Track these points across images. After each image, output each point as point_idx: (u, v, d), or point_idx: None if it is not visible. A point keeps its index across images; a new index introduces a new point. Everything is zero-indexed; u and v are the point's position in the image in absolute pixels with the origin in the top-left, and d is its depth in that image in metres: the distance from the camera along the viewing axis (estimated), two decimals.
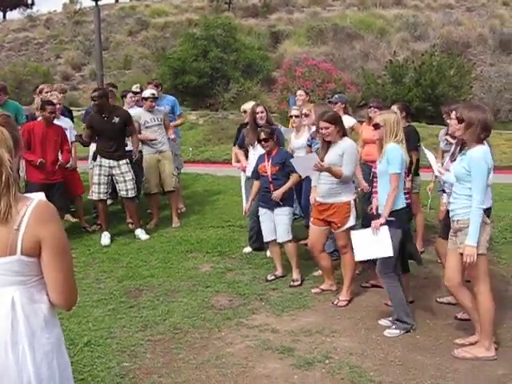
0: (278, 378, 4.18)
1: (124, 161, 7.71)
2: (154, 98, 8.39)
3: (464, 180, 4.30)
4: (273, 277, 6.24)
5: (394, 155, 4.77)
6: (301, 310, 5.44)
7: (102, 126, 7.58)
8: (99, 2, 13.69)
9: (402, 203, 4.91)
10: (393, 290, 4.93)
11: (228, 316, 5.27)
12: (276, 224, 6.16)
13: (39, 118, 7.73)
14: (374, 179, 5.40)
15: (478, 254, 4.27)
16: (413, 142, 6.14)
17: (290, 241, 6.18)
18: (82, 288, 5.89)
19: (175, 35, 25.63)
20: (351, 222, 5.52)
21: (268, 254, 6.84)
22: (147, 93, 8.40)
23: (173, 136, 8.59)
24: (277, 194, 6.04)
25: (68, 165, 8.01)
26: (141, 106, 8.99)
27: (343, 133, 5.54)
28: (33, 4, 44.75)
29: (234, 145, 7.60)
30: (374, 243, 4.85)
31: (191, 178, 11.68)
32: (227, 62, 20.93)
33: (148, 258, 7.04)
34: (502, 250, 7.01)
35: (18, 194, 2.18)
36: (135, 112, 8.48)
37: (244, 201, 7.44)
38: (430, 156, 5.15)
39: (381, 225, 4.82)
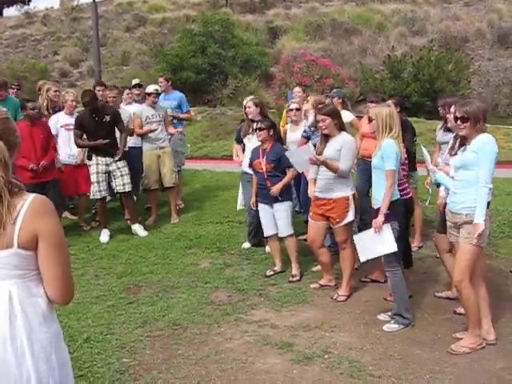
0: (278, 373, 4.19)
1: (120, 156, 7.70)
2: (157, 94, 8.38)
3: (473, 165, 4.26)
4: (272, 272, 6.24)
5: (389, 151, 4.77)
6: (300, 305, 5.45)
7: (93, 127, 7.52)
8: None
9: (396, 195, 4.91)
10: (397, 284, 4.93)
11: (227, 312, 5.28)
12: (276, 219, 6.16)
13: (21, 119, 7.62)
14: None
15: (476, 246, 4.28)
16: (409, 136, 6.16)
17: (291, 235, 6.18)
18: (81, 284, 5.90)
19: (173, 31, 25.58)
20: (350, 216, 5.52)
21: (267, 249, 6.84)
22: (151, 88, 8.39)
23: (173, 130, 8.57)
24: (275, 189, 6.04)
25: (73, 162, 8.00)
26: (137, 102, 8.99)
27: (341, 127, 5.54)
28: (30, 0, 44.59)
29: (236, 140, 7.63)
30: (377, 242, 4.85)
31: (190, 174, 11.67)
32: (225, 57, 20.90)
33: (147, 254, 7.05)
34: (501, 244, 7.02)
35: (15, 189, 2.19)
36: (135, 109, 8.48)
37: (240, 195, 7.45)
38: (425, 152, 5.16)
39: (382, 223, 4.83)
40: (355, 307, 5.38)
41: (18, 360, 2.17)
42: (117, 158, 7.62)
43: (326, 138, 5.55)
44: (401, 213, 4.97)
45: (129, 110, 8.44)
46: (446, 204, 4.72)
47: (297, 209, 7.32)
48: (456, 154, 4.64)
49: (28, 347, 2.18)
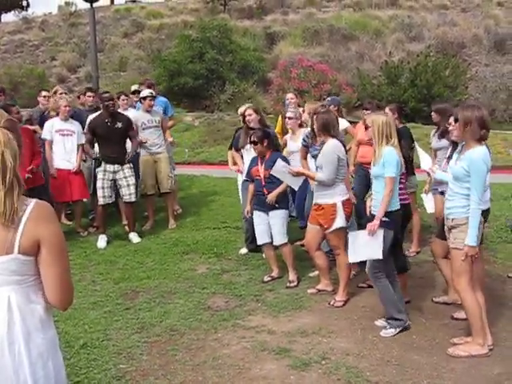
0: (275, 378, 4.18)
1: (128, 165, 7.73)
2: (153, 97, 8.38)
3: (462, 180, 4.31)
4: (269, 278, 6.24)
5: (389, 159, 4.79)
6: (297, 310, 5.44)
7: (106, 132, 7.57)
8: (94, 4, 13.66)
9: (396, 205, 4.92)
10: (382, 288, 4.95)
11: (224, 317, 5.27)
12: (271, 227, 6.16)
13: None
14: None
15: (461, 249, 4.31)
16: (406, 143, 6.17)
17: (285, 244, 6.18)
18: (78, 290, 5.88)
19: (170, 37, 25.59)
20: (338, 223, 5.51)
21: (264, 255, 6.84)
22: (146, 92, 8.39)
23: (171, 139, 8.60)
24: (271, 196, 6.04)
25: (71, 167, 7.99)
26: (134, 107, 8.98)
27: (331, 134, 5.54)
28: (28, 6, 44.64)
29: (230, 148, 7.61)
30: (366, 245, 4.86)
31: (187, 179, 11.68)
32: (223, 63, 20.91)
33: (144, 259, 7.04)
34: (498, 249, 7.03)
35: (21, 196, 2.20)
36: (131, 115, 8.47)
37: (241, 203, 7.43)
38: (421, 152, 5.19)
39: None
40: (352, 313, 5.37)
41: (15, 366, 2.17)
42: (127, 160, 7.68)
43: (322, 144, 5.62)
44: (398, 222, 5.00)
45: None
46: None
47: (293, 214, 7.31)
48: (451, 157, 4.70)
49: (26, 353, 2.19)
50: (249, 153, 6.84)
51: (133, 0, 40.40)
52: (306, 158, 6.45)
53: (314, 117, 5.70)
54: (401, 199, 5.08)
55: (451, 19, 27.33)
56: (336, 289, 5.74)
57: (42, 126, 8.20)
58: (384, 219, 4.81)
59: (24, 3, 44.14)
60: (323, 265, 5.84)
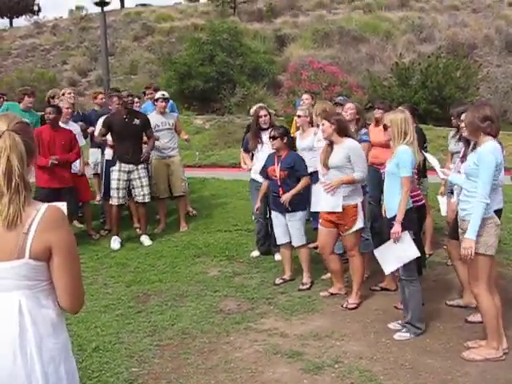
0: (288, 382, 4.16)
1: (142, 165, 7.74)
2: (165, 99, 8.38)
3: (474, 176, 4.26)
4: (281, 280, 6.21)
5: (404, 158, 4.73)
6: (310, 313, 5.41)
7: (123, 128, 7.58)
8: (105, 8, 13.72)
9: (409, 203, 4.87)
10: (413, 293, 4.87)
11: (236, 320, 5.25)
12: (289, 229, 6.13)
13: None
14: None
15: (485, 255, 4.24)
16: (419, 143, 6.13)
17: (303, 245, 6.15)
18: (90, 293, 5.89)
19: (181, 40, 25.66)
20: (359, 224, 5.50)
21: (276, 257, 6.83)
22: (158, 94, 8.42)
23: (186, 136, 8.66)
24: (285, 197, 6.00)
25: (76, 170, 8.02)
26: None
27: (344, 133, 5.51)
28: (39, 11, 45.03)
29: (243, 147, 7.60)
30: (398, 251, 4.80)
31: (198, 182, 11.68)
32: (233, 66, 20.93)
33: (156, 262, 7.04)
34: (511, 251, 6.97)
35: (29, 200, 2.19)
36: None
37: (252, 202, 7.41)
38: (432, 159, 5.13)
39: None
40: (365, 316, 5.33)
41: (27, 370, 2.16)
42: (142, 159, 7.69)
43: (331, 145, 5.54)
44: (414, 220, 4.94)
45: None
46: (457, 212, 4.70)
47: (306, 217, 7.28)
48: (464, 157, 4.65)
49: (37, 357, 2.17)
50: (259, 152, 6.90)
51: (143, 4, 40.62)
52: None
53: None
54: (416, 200, 5.04)
55: (462, 20, 27.26)
56: (349, 292, 5.71)
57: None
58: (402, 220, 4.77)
59: (35, 8, 44.49)
60: (336, 268, 5.80)
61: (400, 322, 5.01)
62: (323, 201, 5.54)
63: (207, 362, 4.47)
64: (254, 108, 7.28)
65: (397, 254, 4.81)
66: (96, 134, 8.21)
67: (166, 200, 8.63)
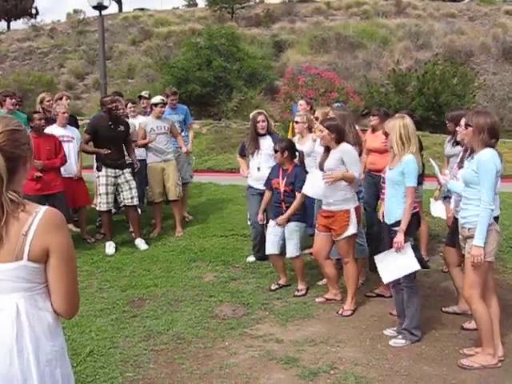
0: None
1: (128, 169, 7.73)
2: (164, 104, 8.38)
3: (474, 183, 4.26)
4: (276, 286, 6.21)
5: (410, 168, 4.72)
6: (305, 319, 5.40)
7: (108, 134, 7.57)
8: (103, 12, 13.73)
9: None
10: (412, 300, 4.87)
11: (232, 326, 5.24)
12: (286, 238, 6.12)
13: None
14: (383, 185, 5.37)
15: (484, 261, 4.24)
16: None
17: (297, 257, 6.15)
18: (85, 297, 5.86)
19: (178, 44, 25.68)
20: (350, 230, 5.48)
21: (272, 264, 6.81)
22: (157, 98, 8.40)
23: (185, 149, 8.59)
24: (280, 221, 6.05)
25: (72, 175, 7.99)
26: (144, 114, 9.00)
27: (340, 140, 5.52)
28: (37, 14, 44.97)
29: (239, 154, 7.59)
30: (399, 262, 4.79)
31: (194, 186, 11.64)
32: (230, 71, 20.95)
33: (151, 267, 7.02)
34: (507, 258, 6.97)
35: (25, 201, 2.17)
36: (141, 121, 8.49)
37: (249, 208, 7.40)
38: (435, 165, 5.12)
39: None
40: (361, 322, 5.33)
41: (23, 374, 2.15)
42: (136, 168, 7.73)
43: (328, 150, 5.57)
44: (414, 226, 4.95)
45: (134, 123, 8.44)
46: (455, 218, 4.70)
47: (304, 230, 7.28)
48: (462, 162, 4.65)
49: (34, 361, 2.17)
50: (255, 159, 6.92)
51: (141, 8, 40.67)
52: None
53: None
54: (414, 207, 5.03)
55: (459, 27, 27.35)
56: (344, 298, 5.70)
57: None
58: (396, 228, 4.77)
59: (33, 11, 44.47)
60: (332, 274, 5.79)
61: (395, 328, 5.00)
62: (317, 188, 5.62)
63: (202, 368, 4.45)
64: (253, 113, 7.28)
65: (398, 264, 4.80)
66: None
67: (162, 204, 8.60)
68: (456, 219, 4.76)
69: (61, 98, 8.68)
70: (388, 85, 19.17)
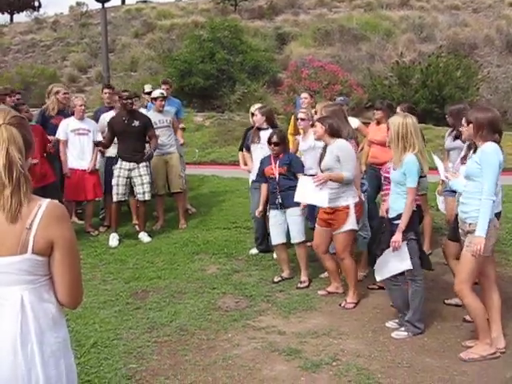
0: (285, 380, 4.17)
1: (143, 164, 7.75)
2: (164, 98, 8.40)
3: (476, 176, 4.26)
4: (279, 278, 6.22)
5: (411, 168, 4.72)
6: (308, 311, 5.43)
7: (122, 129, 7.65)
8: (106, 5, 13.71)
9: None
10: (417, 292, 4.88)
11: (235, 318, 5.26)
12: (289, 225, 6.14)
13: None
14: (385, 182, 5.38)
15: (479, 256, 4.24)
16: None
17: (303, 242, 6.16)
18: (89, 289, 5.89)
19: (181, 37, 25.64)
20: (349, 225, 5.48)
21: (275, 255, 6.82)
22: (156, 92, 8.43)
23: (182, 141, 8.65)
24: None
25: (85, 167, 8.03)
26: (145, 107, 9.00)
27: (335, 134, 5.52)
28: (40, 6, 44.94)
29: (240, 149, 7.60)
30: (394, 260, 4.81)
31: (197, 179, 11.68)
32: (233, 63, 20.92)
33: (154, 259, 7.04)
34: (510, 251, 6.97)
35: (30, 194, 2.19)
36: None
37: (251, 203, 7.42)
38: (438, 161, 5.12)
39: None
40: (363, 314, 5.35)
41: (27, 365, 2.17)
42: (144, 158, 7.72)
43: (325, 147, 5.59)
44: (416, 222, 4.97)
45: None
46: (456, 214, 4.70)
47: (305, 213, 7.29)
48: (465, 157, 4.65)
49: (38, 352, 2.19)
50: (256, 152, 6.90)
51: (143, 0, 40.58)
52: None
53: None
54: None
55: (463, 20, 27.24)
56: (346, 290, 5.71)
57: (44, 127, 7.98)
58: (397, 222, 4.77)
59: (36, 4, 44.44)
60: (332, 267, 5.81)
61: (397, 320, 5.02)
62: (310, 194, 5.57)
63: (205, 359, 4.48)
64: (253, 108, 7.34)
65: (392, 262, 4.82)
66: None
67: (165, 197, 8.63)
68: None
69: (58, 93, 8.65)
70: (391, 77, 19.11)
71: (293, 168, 6.11)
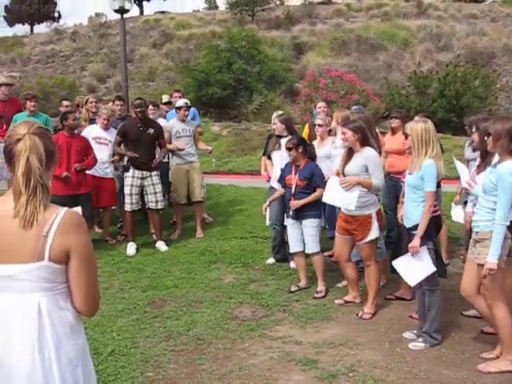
0: None
1: (155, 172, 7.81)
2: (188, 107, 8.48)
3: (490, 193, 4.25)
4: (296, 288, 6.22)
5: (429, 172, 4.70)
6: (324, 321, 5.41)
7: (137, 136, 7.68)
8: (124, 15, 13.85)
9: None
10: (434, 302, 4.85)
11: (251, 327, 5.26)
12: (304, 235, 6.14)
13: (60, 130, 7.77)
14: (403, 189, 5.36)
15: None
16: None
17: (317, 253, 6.16)
18: (107, 298, 5.93)
19: (199, 47, 25.83)
20: (373, 234, 5.48)
21: (291, 265, 6.82)
22: (181, 102, 8.52)
23: (204, 147, 8.76)
24: (295, 203, 6.02)
25: (102, 175, 8.12)
26: (164, 117, 9.09)
27: (364, 142, 5.50)
28: (59, 17, 45.57)
29: (264, 155, 7.65)
30: (417, 265, 4.79)
31: (215, 189, 11.72)
32: (250, 73, 21.02)
33: (172, 268, 7.07)
34: None
35: (47, 202, 2.23)
36: (163, 124, 8.57)
37: (267, 211, 7.42)
38: (461, 167, 5.09)
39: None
40: (380, 325, 5.32)
41: (44, 372, 2.19)
42: (153, 166, 7.74)
43: (351, 152, 5.55)
44: (433, 231, 4.94)
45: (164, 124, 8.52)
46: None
47: (322, 225, 7.29)
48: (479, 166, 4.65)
49: (55, 359, 2.21)
50: (276, 157, 6.94)
51: (162, 11, 40.94)
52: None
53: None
54: (434, 210, 5.00)
55: (481, 29, 27.14)
56: (364, 300, 5.70)
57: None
58: (414, 232, 4.75)
59: (56, 15, 45.03)
60: (352, 276, 5.80)
61: (415, 331, 4.99)
62: (338, 197, 5.53)
63: (222, 369, 4.49)
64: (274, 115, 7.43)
65: (416, 268, 4.80)
66: None
67: (184, 206, 8.67)
68: None
69: (86, 102, 8.93)
70: (409, 87, 19.09)
71: (314, 182, 6.10)
